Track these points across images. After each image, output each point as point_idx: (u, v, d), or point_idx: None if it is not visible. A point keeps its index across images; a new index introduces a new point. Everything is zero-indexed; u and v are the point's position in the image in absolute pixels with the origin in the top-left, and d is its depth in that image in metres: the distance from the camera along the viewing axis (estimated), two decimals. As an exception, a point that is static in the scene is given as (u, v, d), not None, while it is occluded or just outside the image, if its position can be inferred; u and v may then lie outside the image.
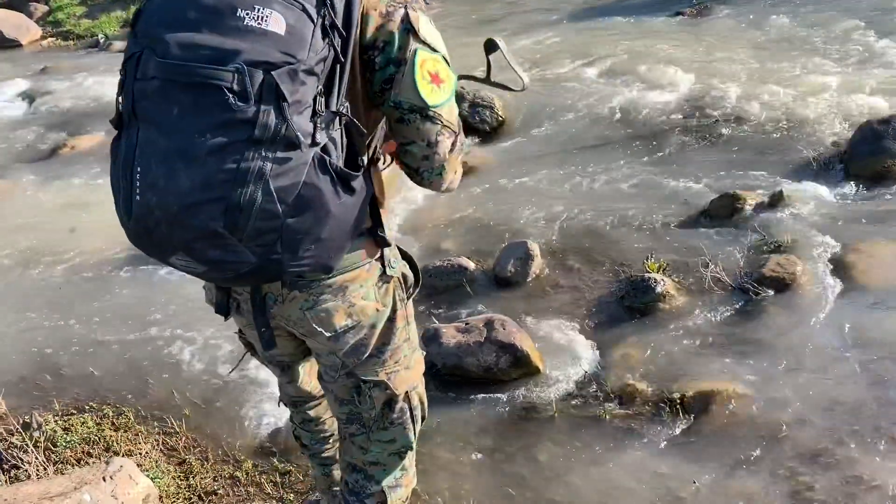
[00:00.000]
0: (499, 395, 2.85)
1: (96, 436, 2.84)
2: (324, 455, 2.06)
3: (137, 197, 1.26)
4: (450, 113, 1.44)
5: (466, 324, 3.08)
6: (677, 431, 2.60)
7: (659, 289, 3.23)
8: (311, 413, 1.97)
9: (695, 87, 5.48)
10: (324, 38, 1.26)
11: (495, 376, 2.90)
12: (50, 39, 9.85)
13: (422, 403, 1.75)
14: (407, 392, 1.69)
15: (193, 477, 2.63)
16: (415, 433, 1.75)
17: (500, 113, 5.40)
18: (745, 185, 4.10)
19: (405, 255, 1.67)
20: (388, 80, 1.38)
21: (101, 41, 9.37)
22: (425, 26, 1.40)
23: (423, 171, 1.47)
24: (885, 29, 6.23)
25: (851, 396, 2.62)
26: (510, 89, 1.69)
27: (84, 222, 4.68)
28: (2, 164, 5.86)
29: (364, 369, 1.61)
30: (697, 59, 6.01)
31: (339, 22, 1.28)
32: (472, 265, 3.64)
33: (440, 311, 3.40)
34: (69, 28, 9.95)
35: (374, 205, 1.48)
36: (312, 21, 1.25)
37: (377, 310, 1.57)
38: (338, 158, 1.32)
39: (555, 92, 5.72)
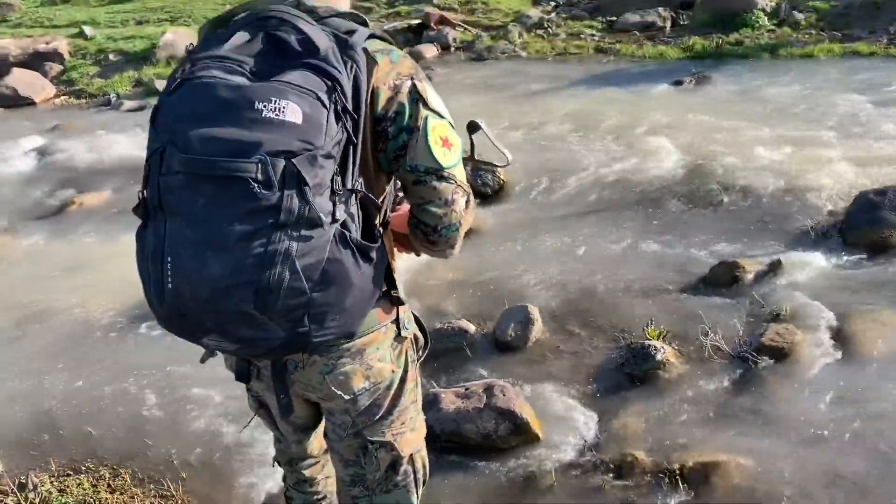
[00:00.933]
0: (497, 462, 2.83)
1: (92, 498, 2.82)
2: None
3: (169, 285, 1.31)
4: (461, 173, 1.53)
5: (466, 389, 3.07)
6: (677, 503, 2.58)
7: (659, 356, 3.24)
8: (307, 473, 1.96)
9: (694, 154, 5.58)
10: (337, 122, 1.33)
11: (494, 444, 2.88)
12: (63, 98, 10.06)
13: (424, 467, 1.79)
14: (412, 454, 1.73)
15: (188, 542, 2.60)
16: (417, 497, 1.77)
17: (501, 177, 5.48)
18: (743, 253, 4.15)
19: (414, 317, 1.72)
20: (402, 147, 1.46)
21: (113, 100, 9.57)
22: (432, 95, 1.49)
23: (442, 228, 1.54)
24: (880, 101, 6.38)
25: (853, 469, 2.60)
26: (496, 166, 1.78)
27: (88, 279, 4.71)
28: (10, 220, 5.92)
29: (372, 430, 1.65)
30: (696, 128, 6.13)
31: (349, 105, 1.35)
32: (472, 328, 3.66)
33: (439, 374, 3.40)
34: (82, 87, 10.17)
35: (387, 266, 1.55)
36: (326, 107, 1.32)
37: (392, 371, 1.63)
38: (356, 231, 1.40)
39: (556, 157, 5.82)
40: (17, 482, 2.85)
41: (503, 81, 8.40)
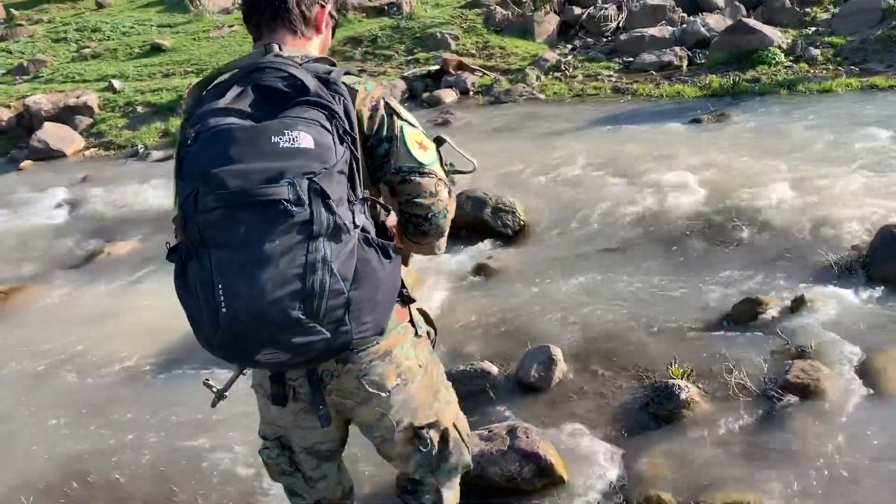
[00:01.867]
0: (521, 504, 2.82)
1: (119, 545, 2.84)
2: None
3: (223, 310, 1.46)
4: (439, 170, 1.77)
5: (489, 431, 3.07)
6: (705, 545, 2.54)
7: (683, 395, 3.22)
8: None
9: (714, 191, 5.59)
10: (341, 143, 1.55)
11: (518, 486, 2.87)
12: (93, 150, 10.33)
13: (465, 427, 2.08)
14: (454, 423, 2.00)
15: (214, 589, 2.60)
16: (469, 452, 2.08)
17: (521, 217, 5.52)
18: (766, 290, 4.13)
19: (421, 312, 1.97)
20: (385, 154, 1.71)
21: (140, 151, 9.81)
22: (403, 110, 1.77)
23: (431, 216, 1.77)
24: (901, 134, 6.35)
25: (884, 509, 2.56)
26: (463, 172, 1.94)
27: (115, 328, 4.79)
28: (41, 270, 6.06)
29: (417, 418, 1.89)
30: (716, 165, 6.15)
31: (347, 127, 1.57)
32: (495, 370, 3.66)
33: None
34: (111, 139, 10.44)
35: None
36: (329, 132, 1.53)
37: (419, 365, 1.88)
38: (373, 233, 1.61)
39: (576, 197, 5.85)
40: (46, 530, 2.87)
41: (522, 124, 8.50)
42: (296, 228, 1.44)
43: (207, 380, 2.09)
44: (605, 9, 11.75)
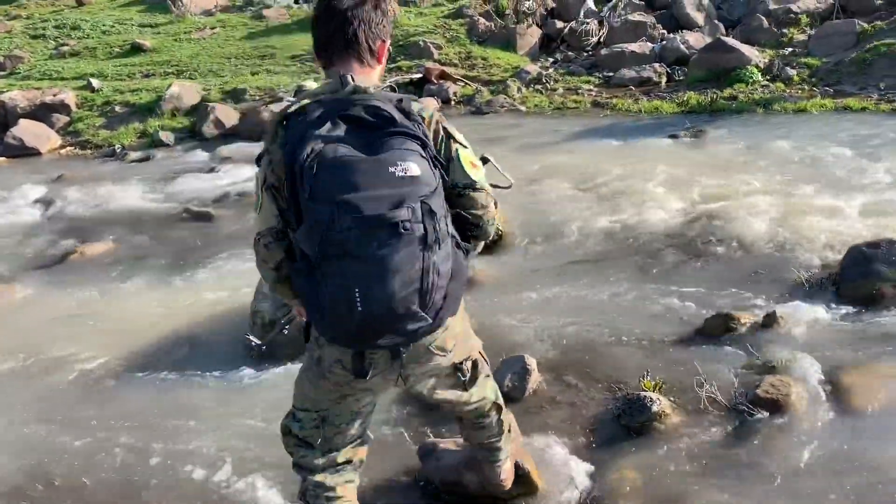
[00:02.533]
0: (494, 514, 2.82)
1: (84, 550, 2.80)
2: None
3: (359, 308, 1.84)
4: (488, 186, 2.13)
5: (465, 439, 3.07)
6: (674, 557, 2.56)
7: (655, 408, 3.24)
8: (332, 478, 2.31)
9: (689, 207, 5.66)
10: (433, 168, 1.93)
11: (495, 493, 2.86)
12: (69, 148, 10.21)
13: (483, 352, 2.43)
14: (479, 351, 2.39)
15: None
16: (490, 367, 2.48)
17: (500, 227, 5.54)
18: (738, 305, 4.18)
19: None
20: (445, 172, 2.03)
21: (118, 151, 9.71)
22: (456, 132, 2.11)
23: (482, 224, 2.13)
24: (872, 155, 6.48)
25: (849, 523, 2.60)
26: (502, 187, 2.28)
27: (86, 329, 4.74)
28: (12, 269, 5.97)
29: (457, 357, 2.25)
30: (691, 180, 6.22)
31: (434, 153, 1.96)
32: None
33: (438, 425, 3.39)
34: (88, 138, 10.33)
35: None
36: (426, 159, 1.91)
37: (462, 329, 2.26)
38: (459, 238, 2.01)
39: (554, 209, 5.90)
40: (9, 533, 2.83)
41: (502, 134, 8.54)
42: (415, 242, 1.84)
43: (248, 335, 2.76)
44: (587, 24, 11.86)
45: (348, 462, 2.33)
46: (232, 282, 5.26)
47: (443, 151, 2.04)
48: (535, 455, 3.06)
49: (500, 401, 2.57)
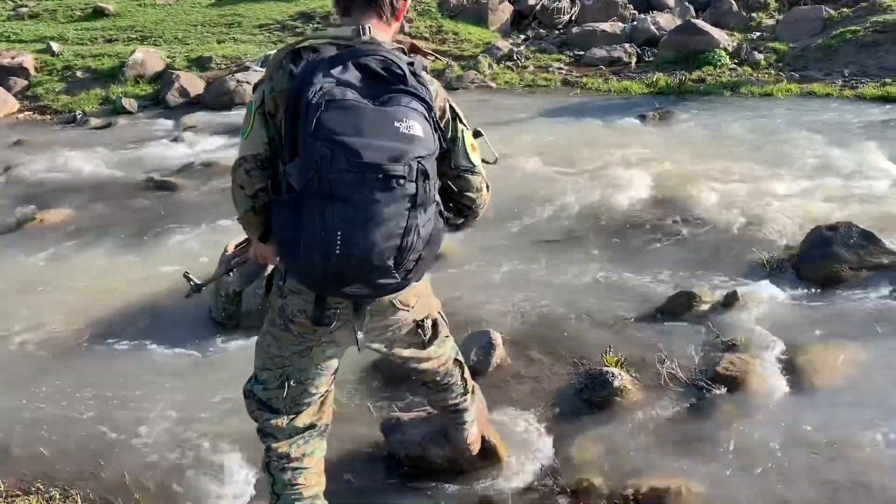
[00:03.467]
0: (458, 486, 2.84)
1: (41, 519, 2.77)
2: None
3: (337, 251, 1.84)
4: (482, 169, 2.17)
5: (428, 413, 3.08)
6: (631, 528, 2.61)
7: (616, 383, 3.29)
8: (297, 446, 2.27)
9: (655, 187, 5.71)
10: (434, 132, 1.93)
11: (460, 466, 2.88)
12: (27, 113, 9.94)
13: (441, 311, 2.49)
14: (439, 311, 2.46)
15: (139, 565, 2.56)
16: (447, 326, 2.51)
17: (468, 204, 5.53)
18: (701, 284, 4.24)
19: None
20: (447, 152, 2.07)
21: (79, 117, 9.47)
22: (461, 112, 2.12)
23: (476, 207, 2.19)
24: (835, 141, 6.60)
25: (802, 497, 2.67)
26: (487, 162, 2.23)
27: (45, 298, 4.64)
28: (-33, 236, 5.82)
29: (423, 316, 2.32)
30: (658, 161, 6.28)
31: (437, 120, 1.96)
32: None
33: (402, 398, 3.40)
34: (47, 103, 10.06)
35: None
36: (429, 123, 1.91)
37: (424, 286, 2.28)
38: (442, 207, 2.01)
39: (521, 187, 5.90)
40: (-37, 502, 2.78)
41: (472, 111, 8.49)
42: (405, 199, 1.85)
43: (188, 273, 2.55)
44: (559, 1, 11.83)
45: (313, 427, 2.28)
46: (196, 253, 5.19)
47: (448, 131, 2.08)
48: (499, 428, 3.09)
49: (461, 357, 2.64)
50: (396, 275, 1.92)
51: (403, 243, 1.87)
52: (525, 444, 3.05)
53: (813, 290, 4.13)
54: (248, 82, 9.92)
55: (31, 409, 3.51)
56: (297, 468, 2.26)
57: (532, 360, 3.66)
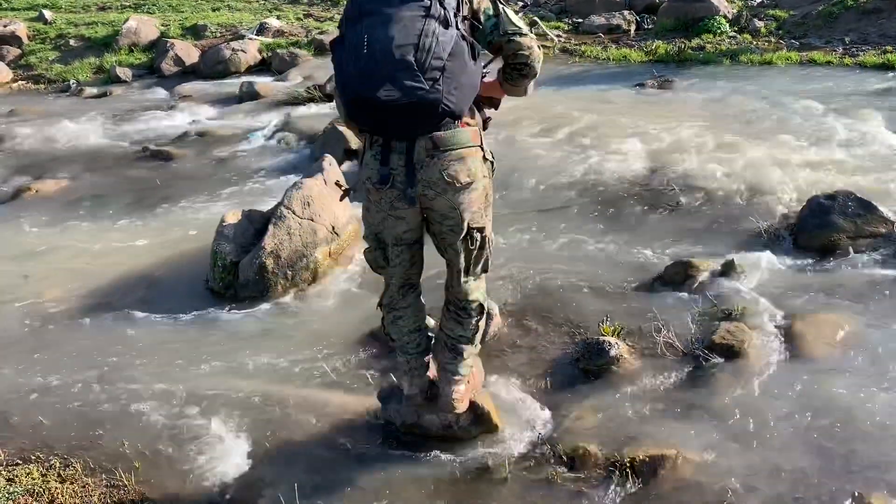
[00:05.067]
0: (454, 454, 2.86)
1: (41, 488, 2.78)
2: (407, 347, 2.83)
3: (365, 50, 2.26)
4: (531, 33, 2.50)
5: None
6: (627, 495, 2.63)
7: (613, 352, 3.30)
8: (403, 308, 2.79)
9: (654, 156, 5.68)
10: None
11: (455, 434, 2.90)
12: (21, 82, 9.86)
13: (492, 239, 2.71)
14: (491, 233, 2.66)
15: (139, 532, 2.58)
16: (492, 260, 2.74)
17: (465, 174, 5.50)
18: (698, 253, 4.24)
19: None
20: (494, 25, 2.46)
21: (73, 86, 9.39)
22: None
23: (532, 62, 2.49)
24: (835, 109, 6.55)
25: (796, 464, 2.69)
26: (548, 38, 2.81)
27: (41, 268, 4.63)
28: (-39, 206, 5.80)
29: (472, 221, 2.54)
30: (657, 130, 6.23)
31: None
32: (431, 322, 3.67)
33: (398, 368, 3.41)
34: (41, 72, 9.98)
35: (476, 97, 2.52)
36: None
37: (483, 176, 2.53)
38: (468, 36, 2.36)
39: (519, 156, 5.87)
40: (-37, 471, 2.79)
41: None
42: (421, 8, 2.28)
43: (337, 181, 3.22)
44: (558, -33, 11.66)
45: (408, 285, 2.77)
46: (192, 222, 5.18)
47: (490, 10, 2.47)
48: (496, 397, 3.10)
49: (486, 305, 2.83)
50: (422, 80, 2.24)
51: (420, 42, 2.24)
52: (521, 413, 3.06)
53: (810, 259, 4.13)
54: (243, 51, 9.83)
55: (29, 378, 3.52)
56: (399, 315, 2.79)
57: (529, 329, 3.67)
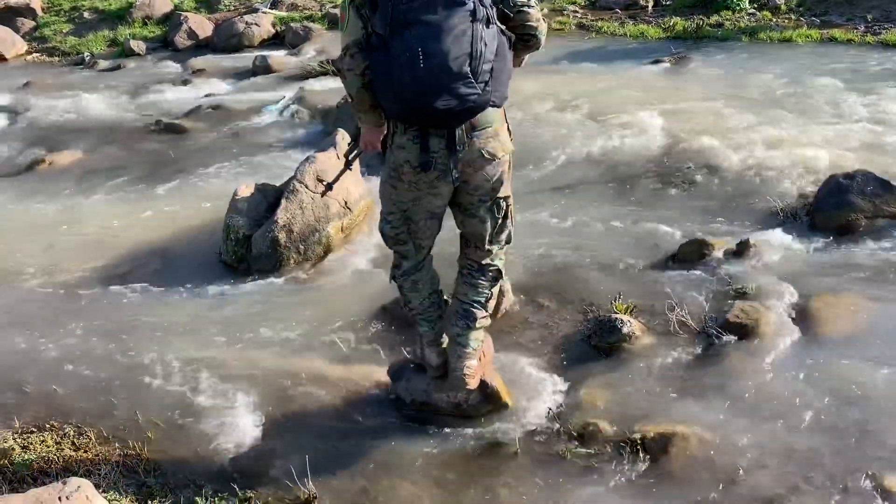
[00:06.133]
0: (464, 430, 2.87)
1: (55, 455, 2.81)
2: (428, 313, 2.87)
3: (421, 65, 2.32)
4: (538, 6, 2.61)
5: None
6: (637, 472, 2.63)
7: (625, 329, 3.28)
8: (418, 275, 2.84)
9: (670, 134, 5.61)
10: None
11: (465, 412, 2.91)
12: (35, 55, 9.86)
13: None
14: (512, 203, 2.75)
15: (152, 500, 2.61)
16: (514, 230, 2.83)
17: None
18: (713, 232, 4.20)
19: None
20: None
21: (87, 59, 9.39)
22: None
23: (538, 34, 2.59)
24: (855, 88, 6.44)
25: (807, 444, 2.67)
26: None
27: (57, 239, 4.66)
28: (-23, 177, 5.83)
29: (501, 191, 2.67)
30: (674, 107, 6.16)
31: None
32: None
33: (409, 344, 3.42)
34: (55, 44, 9.97)
35: None
36: None
37: (512, 150, 2.66)
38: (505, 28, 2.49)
39: (534, 133, 5.82)
40: (-21, 438, 2.83)
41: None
42: (467, 14, 2.35)
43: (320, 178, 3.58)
44: (575, -58, 11.49)
45: (425, 259, 2.85)
46: (205, 196, 5.18)
47: None
48: (506, 374, 3.10)
49: (503, 272, 2.88)
50: (475, 85, 2.36)
51: (473, 50, 2.33)
52: (533, 389, 3.06)
53: (827, 239, 4.07)
54: (256, 24, 9.78)
55: (44, 348, 3.55)
56: (416, 279, 2.84)
57: (541, 306, 3.65)
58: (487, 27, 2.36)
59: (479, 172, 2.56)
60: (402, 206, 2.67)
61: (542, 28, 2.60)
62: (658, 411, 2.87)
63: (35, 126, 7.00)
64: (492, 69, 2.37)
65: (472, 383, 2.81)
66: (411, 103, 2.38)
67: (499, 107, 2.53)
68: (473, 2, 2.35)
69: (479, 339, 2.82)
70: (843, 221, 4.13)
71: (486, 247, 2.76)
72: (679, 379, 3.06)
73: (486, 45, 2.34)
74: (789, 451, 2.65)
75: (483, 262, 2.79)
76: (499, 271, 2.84)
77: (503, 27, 2.45)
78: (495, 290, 2.86)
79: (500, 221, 2.72)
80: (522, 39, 2.57)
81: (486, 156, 2.54)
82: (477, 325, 2.80)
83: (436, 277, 2.91)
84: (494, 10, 2.42)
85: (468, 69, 2.33)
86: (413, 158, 2.50)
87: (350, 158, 2.98)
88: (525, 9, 2.53)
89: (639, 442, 2.71)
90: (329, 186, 3.04)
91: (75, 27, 10.31)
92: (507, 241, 2.81)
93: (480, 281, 2.81)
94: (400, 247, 2.79)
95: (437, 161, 2.49)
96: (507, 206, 2.71)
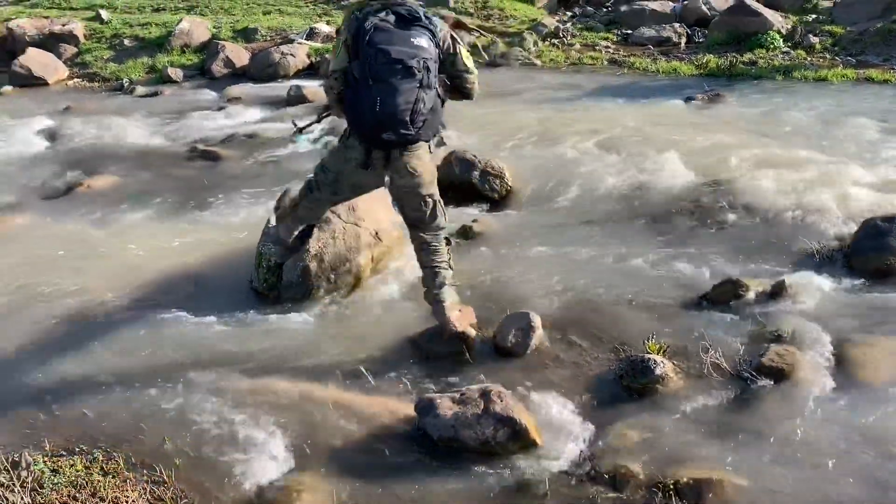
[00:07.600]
0: (492, 469, 2.83)
1: (84, 479, 2.82)
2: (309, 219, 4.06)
3: (378, 110, 3.21)
4: (476, 72, 3.56)
5: (461, 394, 3.06)
6: (669, 518, 2.57)
7: (658, 371, 3.23)
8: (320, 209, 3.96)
9: (702, 171, 5.57)
10: (435, 48, 3.36)
11: (493, 450, 2.88)
12: (76, 80, 10.08)
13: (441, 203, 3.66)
14: (439, 197, 3.60)
15: (178, 530, 2.60)
16: (446, 219, 3.70)
17: (509, 182, 5.49)
18: (747, 272, 4.14)
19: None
20: (452, 62, 3.47)
21: (126, 85, 9.58)
22: (459, 41, 3.51)
23: (471, 94, 3.58)
24: (891, 129, 6.37)
25: (847, 496, 2.60)
26: (479, 63, 3.74)
27: (92, 262, 4.72)
28: (17, 200, 5.94)
29: (423, 190, 3.51)
30: (707, 145, 6.13)
31: (438, 42, 3.39)
32: (472, 332, 3.65)
33: (437, 378, 3.39)
34: (96, 70, 10.19)
35: None
36: (433, 42, 3.34)
37: (429, 161, 3.54)
38: (442, 92, 3.44)
39: (564, 167, 5.82)
40: (10, 460, 2.84)
41: (517, 88, 8.41)
42: (416, 81, 3.25)
43: (294, 120, 5.00)
44: (608, -22, 11.58)
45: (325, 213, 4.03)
46: (238, 223, 5.23)
47: (451, 51, 3.44)
48: (536, 412, 3.07)
49: (450, 242, 3.80)
50: (411, 128, 3.28)
51: (415, 108, 3.25)
52: (563, 429, 3.02)
53: (864, 283, 4.00)
54: (292, 55, 9.94)
55: (74, 371, 3.58)
56: (312, 208, 3.87)
57: (572, 343, 3.62)
58: (429, 91, 3.28)
59: (403, 178, 3.45)
60: (340, 168, 3.55)
61: (476, 89, 3.57)
62: (692, 456, 2.82)
63: (74, 150, 7.13)
64: (425, 120, 3.30)
65: (461, 325, 3.58)
66: (367, 132, 3.34)
67: (427, 141, 3.43)
68: (422, 74, 3.24)
69: (452, 294, 3.64)
70: (882, 265, 4.06)
71: (426, 229, 3.59)
72: (713, 423, 3.00)
73: (424, 104, 3.27)
74: (827, 501, 2.58)
75: (433, 227, 3.59)
76: (447, 239, 3.71)
77: (443, 90, 3.42)
78: (450, 251, 3.70)
79: (429, 211, 3.54)
80: (460, 92, 3.56)
81: (409, 169, 3.43)
82: (446, 281, 3.61)
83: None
84: (437, 78, 3.34)
85: (408, 118, 3.25)
86: (359, 159, 3.44)
87: (321, 116, 4.13)
88: (464, 75, 3.51)
89: (672, 486, 2.65)
90: (300, 130, 4.50)
91: (116, 54, 10.54)
92: (441, 228, 3.62)
93: (434, 245, 3.61)
94: (315, 194, 3.73)
95: (375, 164, 3.42)
96: (434, 201, 3.55)
